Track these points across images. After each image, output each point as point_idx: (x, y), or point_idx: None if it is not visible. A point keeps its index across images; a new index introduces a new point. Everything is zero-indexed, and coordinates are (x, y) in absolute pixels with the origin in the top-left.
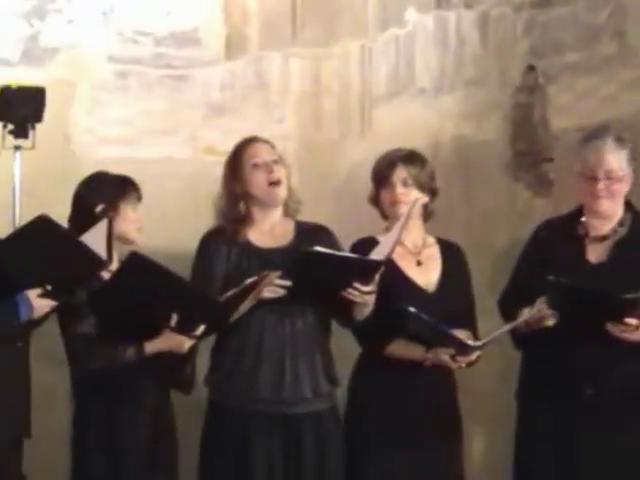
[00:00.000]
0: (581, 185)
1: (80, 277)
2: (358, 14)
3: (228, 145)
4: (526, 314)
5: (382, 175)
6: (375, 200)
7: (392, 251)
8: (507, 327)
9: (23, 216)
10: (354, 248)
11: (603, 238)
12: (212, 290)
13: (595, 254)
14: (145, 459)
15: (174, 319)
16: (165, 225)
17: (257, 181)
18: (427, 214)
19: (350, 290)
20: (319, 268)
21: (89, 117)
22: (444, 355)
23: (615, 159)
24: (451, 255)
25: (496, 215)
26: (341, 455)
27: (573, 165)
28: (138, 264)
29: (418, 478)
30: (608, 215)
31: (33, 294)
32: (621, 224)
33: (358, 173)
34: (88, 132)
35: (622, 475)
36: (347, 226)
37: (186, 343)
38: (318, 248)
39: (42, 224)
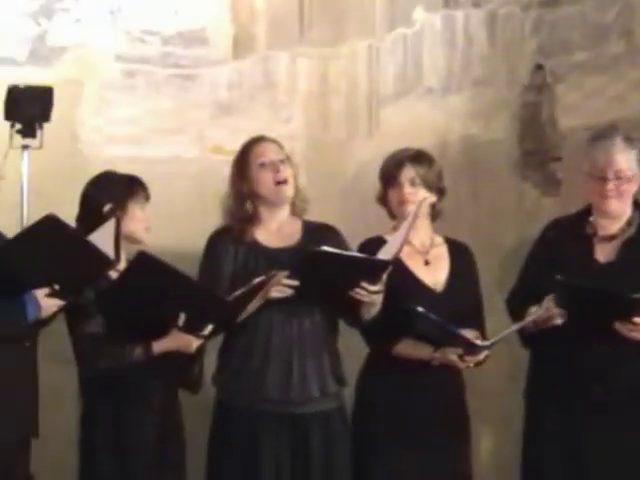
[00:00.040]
0: (590, 185)
1: (88, 277)
2: (366, 13)
3: (236, 144)
4: (534, 313)
5: (390, 175)
6: (383, 200)
7: (400, 251)
8: (515, 327)
9: (31, 215)
10: (362, 248)
11: (611, 238)
12: (220, 289)
13: (603, 254)
14: (153, 459)
15: (182, 319)
16: (173, 224)
17: (264, 180)
18: (435, 213)
19: (357, 290)
20: (326, 268)
21: (97, 116)
22: (452, 355)
23: (624, 159)
24: (459, 254)
25: (504, 214)
26: (349, 455)
27: (581, 164)
28: (146, 263)
29: (426, 478)
30: (617, 215)
31: (41, 294)
32: (629, 223)
33: (366, 173)
34: (96, 131)
35: (630, 474)
36: (355, 226)
37: (194, 343)
38: (325, 248)
39: (50, 223)
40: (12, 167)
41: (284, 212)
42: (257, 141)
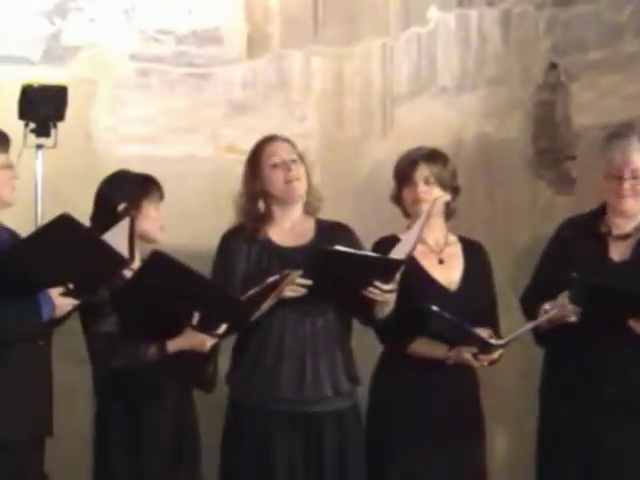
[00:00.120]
0: (606, 184)
1: (102, 276)
2: (380, 12)
3: (249, 143)
4: (549, 309)
5: (404, 173)
6: (397, 198)
7: (413, 249)
8: (529, 325)
9: (45, 215)
10: (376, 246)
11: (626, 236)
12: (233, 288)
13: (618, 252)
14: (167, 458)
15: (196, 318)
16: (187, 223)
17: (275, 180)
18: (449, 212)
19: (371, 289)
20: (339, 267)
21: (111, 115)
22: (466, 354)
23: None
24: (473, 253)
25: (518, 213)
26: (362, 454)
27: (597, 163)
28: (160, 263)
29: (440, 477)
30: (632, 214)
31: (55, 293)
32: None
33: (380, 171)
34: (110, 130)
35: None
36: (369, 224)
37: (208, 342)
38: (338, 247)
39: (64, 223)
40: (26, 166)
41: (297, 211)
42: (269, 140)
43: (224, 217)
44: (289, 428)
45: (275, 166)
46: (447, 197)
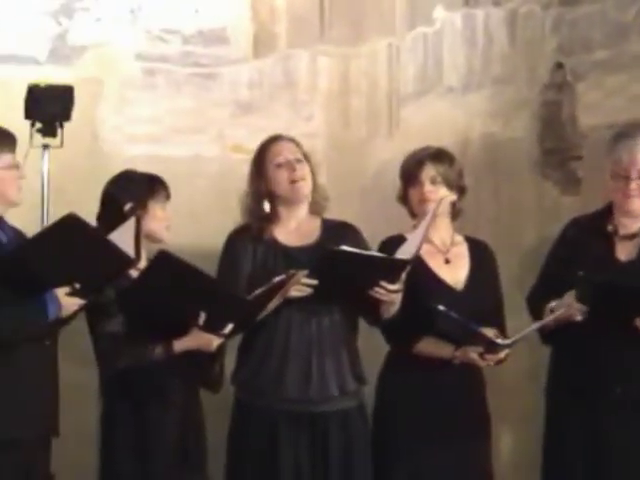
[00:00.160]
0: (612, 184)
1: (108, 275)
2: (386, 13)
3: (256, 143)
4: (556, 308)
5: (410, 173)
6: (403, 198)
7: (419, 249)
8: (535, 325)
9: (51, 214)
10: (383, 246)
11: (632, 236)
12: (239, 288)
13: (624, 252)
14: (173, 458)
15: (202, 317)
16: (192, 223)
17: (280, 180)
18: (455, 212)
19: (377, 289)
20: (345, 267)
21: (117, 115)
22: (473, 353)
23: None
24: (479, 253)
25: (524, 213)
26: (369, 454)
27: (603, 163)
28: (166, 262)
29: (447, 477)
30: (639, 214)
31: (61, 292)
32: None
33: (386, 171)
34: (116, 130)
35: None
36: (375, 224)
37: (214, 341)
38: (344, 247)
39: (70, 222)
40: (33, 166)
41: (303, 211)
42: (274, 140)
43: (230, 217)
44: (295, 428)
45: (280, 166)
46: (453, 197)
